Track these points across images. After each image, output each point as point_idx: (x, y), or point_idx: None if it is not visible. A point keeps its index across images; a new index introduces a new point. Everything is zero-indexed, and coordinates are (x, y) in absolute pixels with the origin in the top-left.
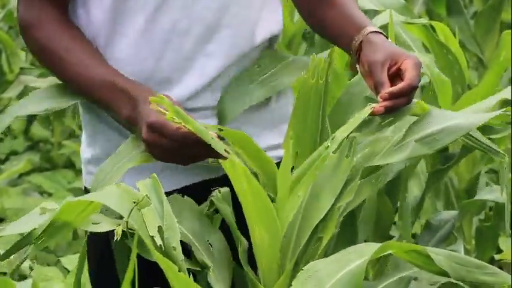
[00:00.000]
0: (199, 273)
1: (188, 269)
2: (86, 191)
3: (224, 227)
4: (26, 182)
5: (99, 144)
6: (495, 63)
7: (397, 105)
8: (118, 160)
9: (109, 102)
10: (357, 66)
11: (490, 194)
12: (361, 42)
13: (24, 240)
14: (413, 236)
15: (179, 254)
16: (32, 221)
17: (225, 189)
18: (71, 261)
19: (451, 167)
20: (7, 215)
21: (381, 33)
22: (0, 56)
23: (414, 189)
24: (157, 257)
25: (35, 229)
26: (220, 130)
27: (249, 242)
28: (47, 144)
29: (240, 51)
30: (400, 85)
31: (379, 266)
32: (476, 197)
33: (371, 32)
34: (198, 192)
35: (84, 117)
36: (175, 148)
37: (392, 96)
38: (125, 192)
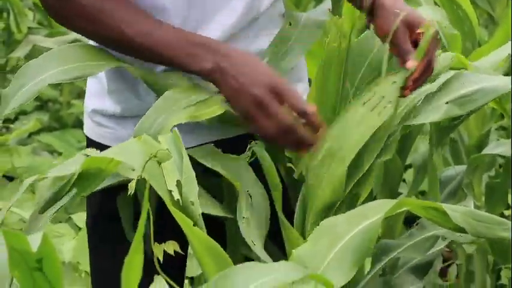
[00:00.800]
0: (231, 221)
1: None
2: (90, 140)
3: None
4: (35, 142)
5: (114, 99)
6: (505, 21)
7: (422, 82)
8: (164, 111)
9: (185, 57)
10: (371, 26)
11: (499, 147)
12: (372, 2)
13: (61, 191)
14: (422, 193)
15: (197, 208)
16: (70, 166)
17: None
18: (81, 218)
19: (459, 123)
20: (18, 174)
21: None
22: (8, 16)
23: (422, 146)
24: (173, 212)
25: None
26: None
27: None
28: (55, 103)
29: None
30: (420, 67)
31: (388, 223)
32: (485, 151)
33: None
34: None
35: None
36: (287, 119)
37: (416, 82)
38: (145, 145)
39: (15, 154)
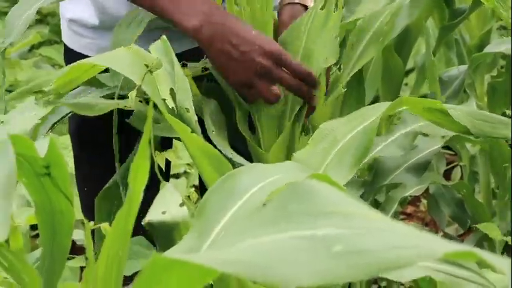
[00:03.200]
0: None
1: None
2: (68, 50)
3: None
4: (36, 55)
5: (92, 10)
6: None
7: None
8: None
9: (174, 7)
10: None
11: (501, 45)
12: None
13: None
14: (425, 96)
15: (193, 115)
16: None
17: None
18: None
19: (460, 21)
20: (20, 86)
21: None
22: None
23: (423, 47)
24: (169, 120)
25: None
26: None
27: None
28: (55, 17)
29: None
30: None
31: (391, 124)
32: (486, 50)
33: (287, 4)
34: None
35: None
36: (294, 83)
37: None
38: (136, 55)
39: (17, 67)
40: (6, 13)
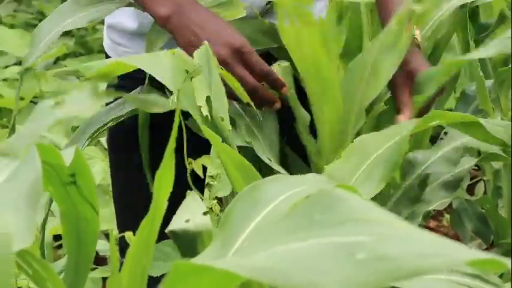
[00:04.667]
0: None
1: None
2: (106, 56)
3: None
4: (61, 67)
5: (131, 12)
6: None
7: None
8: None
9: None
10: None
11: None
12: None
13: None
14: (450, 110)
15: (227, 124)
16: None
17: (285, 63)
18: None
19: (486, 36)
20: (45, 98)
21: None
22: None
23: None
24: (202, 128)
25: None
26: None
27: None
28: (81, 29)
29: None
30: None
31: (416, 137)
32: None
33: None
34: None
35: None
36: (251, 82)
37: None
38: (178, 60)
39: (42, 79)
40: (30, 23)
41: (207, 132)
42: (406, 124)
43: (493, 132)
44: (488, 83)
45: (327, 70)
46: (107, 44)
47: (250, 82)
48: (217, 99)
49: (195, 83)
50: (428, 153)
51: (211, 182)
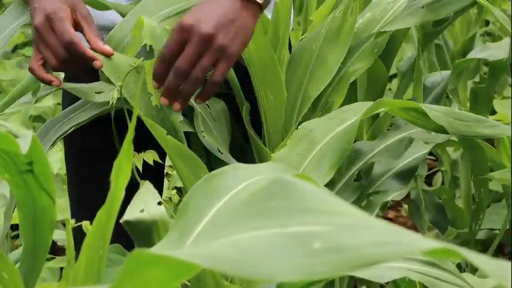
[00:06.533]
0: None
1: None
2: None
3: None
4: (20, 55)
5: None
6: None
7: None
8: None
9: None
10: None
11: (484, 52)
12: None
13: None
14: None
15: (178, 115)
16: None
17: None
18: None
19: (443, 29)
20: (3, 87)
21: None
22: None
23: (408, 53)
24: (145, 120)
25: None
26: None
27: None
28: None
29: None
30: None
31: (374, 127)
32: (469, 56)
33: None
34: None
35: None
36: (60, 51)
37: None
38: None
39: (0, 68)
40: None
41: (150, 125)
42: (353, 110)
43: (434, 118)
44: (447, 73)
45: (268, 52)
46: None
47: (57, 52)
48: None
49: (147, 68)
50: (374, 143)
51: (170, 172)
